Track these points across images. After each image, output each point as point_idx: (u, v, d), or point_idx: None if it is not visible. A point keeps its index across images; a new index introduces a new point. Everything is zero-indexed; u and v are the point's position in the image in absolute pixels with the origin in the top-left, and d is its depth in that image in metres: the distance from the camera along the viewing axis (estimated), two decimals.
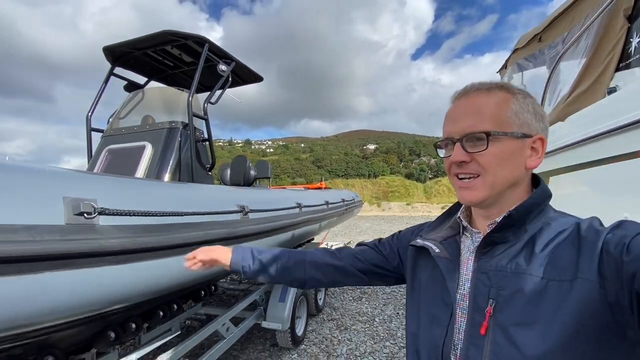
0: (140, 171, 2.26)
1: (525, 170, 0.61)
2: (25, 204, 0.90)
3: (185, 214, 1.35)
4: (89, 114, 2.78)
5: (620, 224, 0.52)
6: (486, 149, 0.58)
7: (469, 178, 0.60)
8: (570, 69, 1.81)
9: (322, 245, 4.85)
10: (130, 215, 1.11)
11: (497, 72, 3.36)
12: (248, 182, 3.49)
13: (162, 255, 1.22)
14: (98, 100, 2.87)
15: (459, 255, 0.67)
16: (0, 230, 0.83)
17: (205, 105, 2.64)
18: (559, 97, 1.82)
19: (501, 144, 0.58)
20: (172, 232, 1.26)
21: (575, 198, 1.59)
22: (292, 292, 2.83)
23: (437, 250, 0.69)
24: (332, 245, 5.16)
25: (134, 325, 1.77)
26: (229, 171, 3.56)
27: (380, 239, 0.92)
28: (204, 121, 2.68)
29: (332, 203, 3.78)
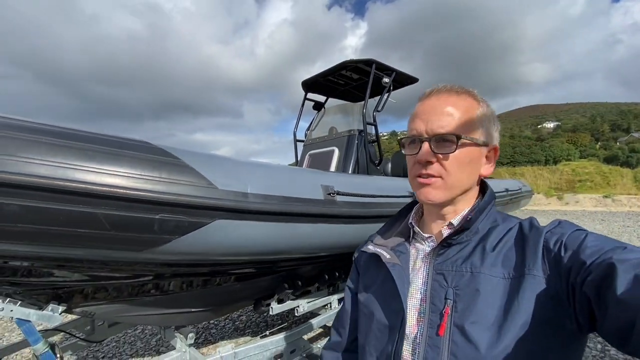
0: (332, 167, 3.17)
1: (479, 176, 0.65)
2: (307, 188, 1.73)
3: (376, 196, 2.00)
4: (295, 130, 3.99)
5: (557, 223, 0.57)
6: (454, 151, 0.59)
7: (430, 178, 0.62)
8: None
9: None
10: (350, 195, 1.84)
11: None
12: (406, 174, 3.99)
13: (366, 222, 1.92)
14: (299, 119, 4.05)
15: (408, 260, 0.68)
16: (298, 200, 1.67)
17: (374, 113, 3.32)
18: None
19: (466, 149, 0.60)
20: (371, 207, 1.94)
21: None
22: None
23: (387, 257, 0.69)
24: None
25: (337, 274, 2.61)
26: (390, 164, 4.17)
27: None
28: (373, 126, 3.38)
29: None
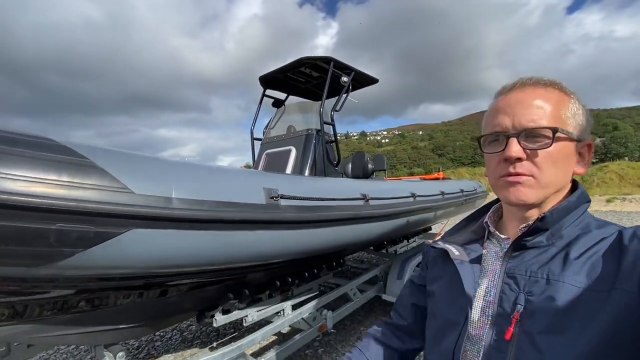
0: (289, 168, 3.03)
1: (572, 174, 0.59)
2: (246, 191, 1.59)
3: (326, 199, 1.90)
4: (252, 127, 3.80)
5: None
6: (549, 146, 0.54)
7: (520, 176, 0.57)
8: None
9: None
10: (296, 199, 1.72)
11: None
12: (366, 175, 3.95)
13: (314, 227, 1.81)
14: (257, 116, 3.87)
15: (480, 260, 0.65)
16: (235, 205, 1.52)
17: (332, 113, 3.24)
18: None
19: (561, 144, 0.55)
20: (319, 211, 1.84)
21: None
22: (409, 271, 3.16)
23: (456, 253, 0.67)
24: None
25: (290, 279, 2.50)
26: (350, 165, 4.11)
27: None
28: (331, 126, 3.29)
29: (448, 193, 3.85)
